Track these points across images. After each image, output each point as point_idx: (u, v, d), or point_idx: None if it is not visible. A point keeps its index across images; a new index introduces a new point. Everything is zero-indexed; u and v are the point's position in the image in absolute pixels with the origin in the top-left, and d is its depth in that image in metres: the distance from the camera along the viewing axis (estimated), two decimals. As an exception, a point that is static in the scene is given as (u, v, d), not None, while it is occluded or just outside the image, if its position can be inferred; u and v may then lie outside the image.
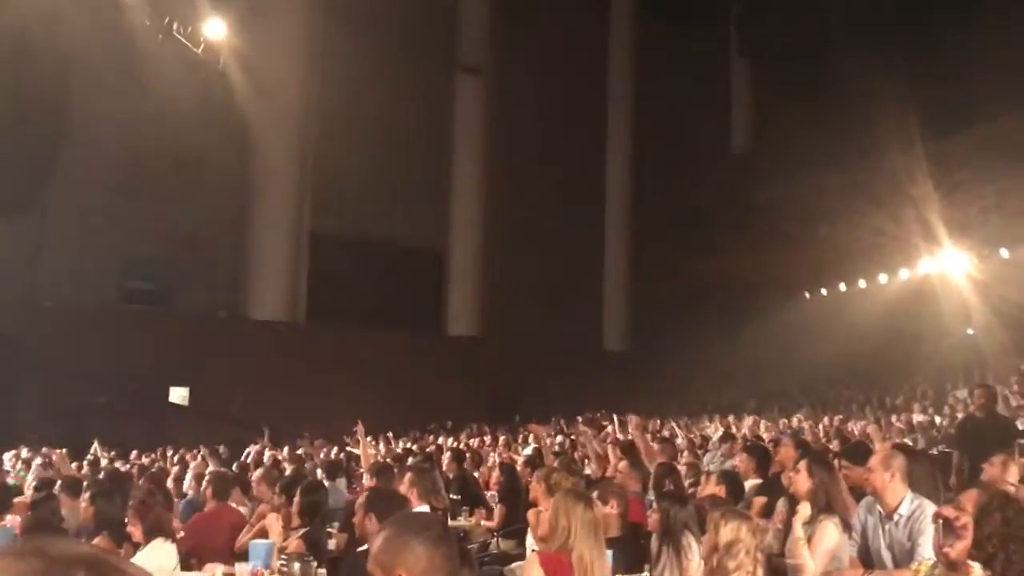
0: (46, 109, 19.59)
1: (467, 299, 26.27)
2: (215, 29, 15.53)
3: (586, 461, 9.36)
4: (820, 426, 14.25)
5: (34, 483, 8.39)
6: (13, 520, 6.60)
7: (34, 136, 19.38)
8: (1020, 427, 11.48)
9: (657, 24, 28.47)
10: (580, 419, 16.91)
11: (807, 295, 24.57)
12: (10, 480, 9.94)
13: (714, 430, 14.24)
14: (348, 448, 12.21)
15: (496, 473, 9.17)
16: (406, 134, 24.69)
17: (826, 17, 26.11)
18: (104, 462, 12.49)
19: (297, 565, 5.04)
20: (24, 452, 13.71)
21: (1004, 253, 19.24)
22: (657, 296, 26.05)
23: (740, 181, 26.88)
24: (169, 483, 9.11)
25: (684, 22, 28.56)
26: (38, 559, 0.93)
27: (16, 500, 7.22)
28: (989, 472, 5.39)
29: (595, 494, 5.33)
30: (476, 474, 9.81)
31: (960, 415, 11.33)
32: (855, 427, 17.90)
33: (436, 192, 26.23)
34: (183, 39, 15.30)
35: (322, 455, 13.06)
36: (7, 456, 13.32)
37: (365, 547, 4.85)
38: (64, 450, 13.58)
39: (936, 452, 9.36)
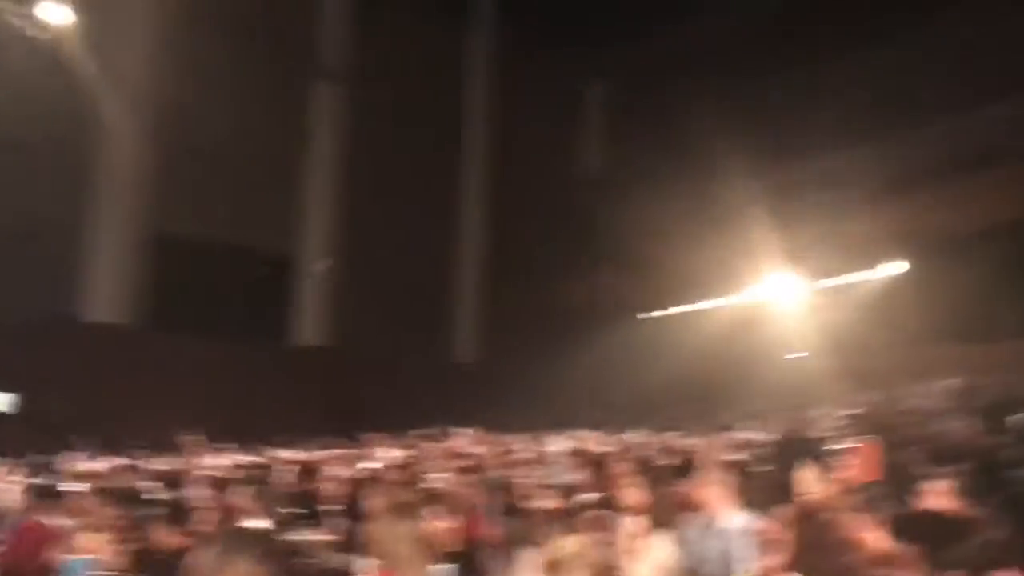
0: None
1: (315, 308, 25.78)
2: (56, 13, 14.73)
3: (429, 475, 9.35)
4: (656, 442, 14.72)
5: None
6: None
7: None
8: (832, 447, 12.28)
9: (514, 44, 28.90)
10: (425, 432, 16.85)
11: (650, 316, 25.43)
12: None
13: (556, 445, 14.49)
14: (186, 459, 11.74)
15: (338, 487, 9.00)
16: (258, 136, 24.06)
17: (675, 45, 27.20)
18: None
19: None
20: None
21: (832, 281, 20.52)
22: (507, 312, 26.36)
23: (590, 204, 27.62)
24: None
25: (541, 44, 29.12)
26: None
27: None
28: (798, 487, 5.73)
29: (435, 508, 5.34)
30: (318, 488, 9.63)
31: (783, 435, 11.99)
32: (689, 444, 18.64)
33: (287, 198, 25.68)
34: (19, 21, 14.42)
35: (158, 466, 12.51)
36: None
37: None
38: None
39: (763, 470, 9.86)
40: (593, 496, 6.83)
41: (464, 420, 20.20)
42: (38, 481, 9.32)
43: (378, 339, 24.84)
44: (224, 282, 23.22)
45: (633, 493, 5.26)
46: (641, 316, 25.40)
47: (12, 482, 9.88)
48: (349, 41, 26.52)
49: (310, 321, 25.75)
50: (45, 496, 6.63)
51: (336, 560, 7.41)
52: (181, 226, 23.01)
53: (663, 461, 9.97)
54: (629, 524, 4.78)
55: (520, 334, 25.16)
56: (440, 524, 5.29)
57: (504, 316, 26.34)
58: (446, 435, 15.86)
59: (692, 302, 24.54)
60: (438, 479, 8.59)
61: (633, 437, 19.10)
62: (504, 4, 29.26)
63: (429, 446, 13.79)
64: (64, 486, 8.84)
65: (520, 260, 26.58)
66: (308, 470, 10.39)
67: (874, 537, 3.91)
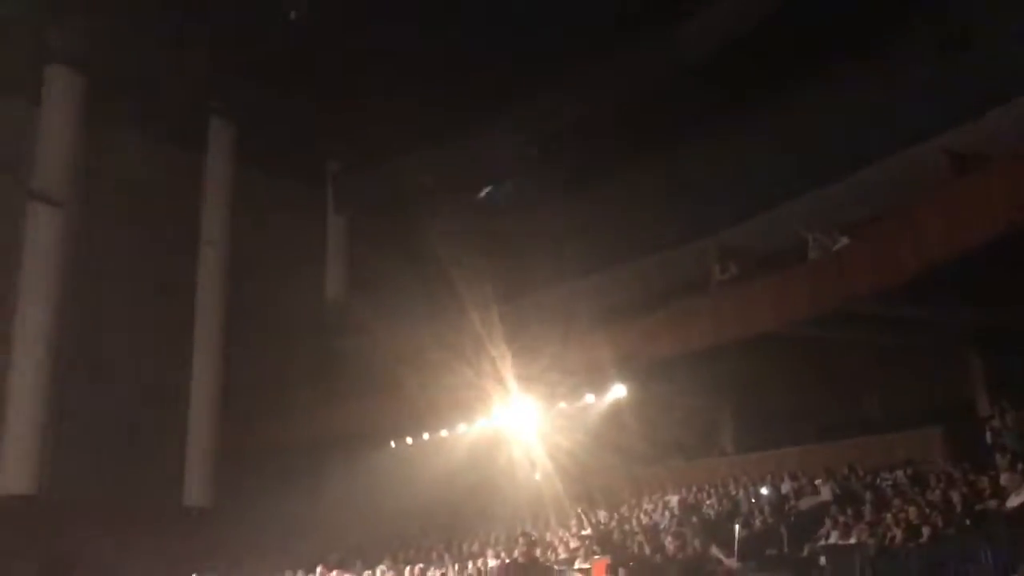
0: None
1: (24, 452, 23.25)
2: None
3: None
4: (400, 577, 14.51)
5: None
6: None
7: None
8: (557, 571, 12.66)
9: (254, 172, 28.62)
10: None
11: (392, 445, 25.26)
12: None
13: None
14: None
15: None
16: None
17: (417, 174, 28.15)
18: None
19: None
20: None
21: (562, 405, 21.42)
22: (241, 450, 25.18)
23: (332, 334, 27.40)
24: None
25: (281, 174, 29.11)
26: None
27: None
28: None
29: None
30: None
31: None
32: (434, 575, 18.48)
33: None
34: None
35: None
36: None
37: None
38: None
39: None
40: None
41: (196, 568, 18.96)
42: None
43: (99, 486, 22.87)
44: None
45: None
46: (388, 445, 25.16)
47: None
48: (72, 163, 25.01)
49: (18, 467, 23.19)
50: None
51: None
52: None
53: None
54: None
55: (259, 472, 24.09)
56: None
57: (238, 455, 25.11)
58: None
59: (437, 430, 24.66)
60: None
61: (379, 570, 18.71)
62: (242, 130, 28.97)
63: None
64: None
65: (260, 394, 25.67)
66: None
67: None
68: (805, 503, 16.35)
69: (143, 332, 25.43)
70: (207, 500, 25.87)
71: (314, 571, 18.45)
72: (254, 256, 27.79)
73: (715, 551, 11.27)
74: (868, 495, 14.76)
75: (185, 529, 22.88)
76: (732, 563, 11.47)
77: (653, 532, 16.87)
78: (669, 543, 10.29)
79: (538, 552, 10.15)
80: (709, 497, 19.00)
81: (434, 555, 20.49)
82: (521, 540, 8.91)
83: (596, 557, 16.24)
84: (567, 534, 19.37)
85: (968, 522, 11.60)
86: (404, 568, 18.42)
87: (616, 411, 20.44)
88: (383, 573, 18.76)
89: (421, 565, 18.46)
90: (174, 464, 25.71)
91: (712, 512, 17.77)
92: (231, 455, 25.38)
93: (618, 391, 20.38)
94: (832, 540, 13.67)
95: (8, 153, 24.06)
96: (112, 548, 20.14)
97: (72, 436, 23.35)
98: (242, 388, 26.13)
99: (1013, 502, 11.34)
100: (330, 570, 18.44)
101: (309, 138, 29.18)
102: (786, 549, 14.37)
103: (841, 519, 13.94)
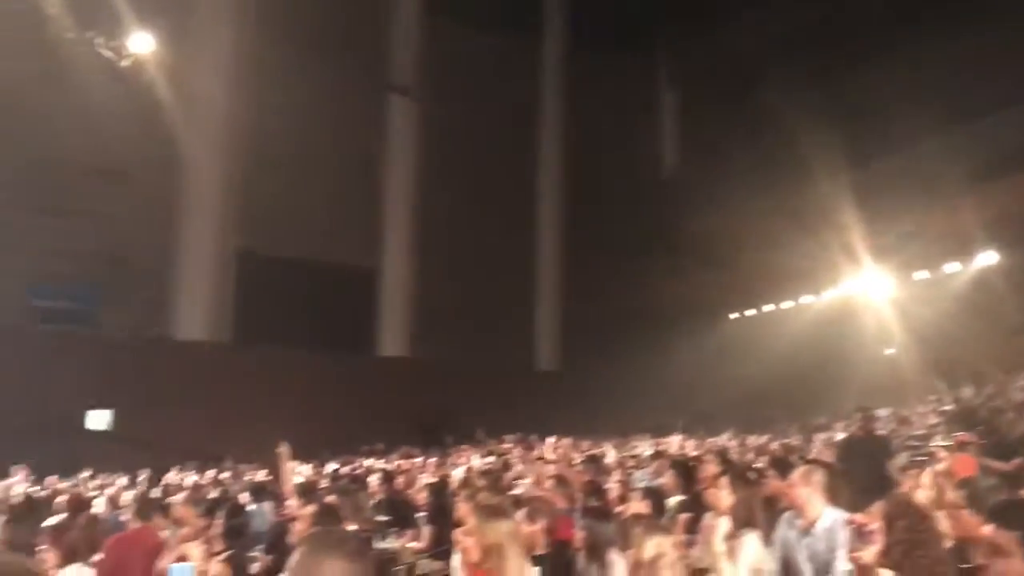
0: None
1: (398, 319, 26.12)
2: (142, 43, 15.27)
3: (516, 480, 9.36)
4: (745, 445, 14.48)
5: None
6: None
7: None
8: (926, 444, 11.93)
9: (587, 50, 28.84)
10: (510, 439, 16.91)
11: (734, 317, 25.02)
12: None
13: (643, 449, 14.36)
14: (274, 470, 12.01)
15: (426, 494, 9.08)
16: (337, 152, 24.53)
17: (754, 46, 26.75)
18: (21, 487, 12.06)
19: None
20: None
21: (921, 275, 19.91)
22: (588, 318, 26.24)
23: (669, 206, 27.31)
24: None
25: (614, 49, 28.98)
26: None
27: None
28: (893, 483, 5.58)
29: (523, 512, 5.35)
30: (407, 495, 9.72)
31: (882, 432, 11.66)
32: (779, 444, 18.27)
33: (367, 211, 26.07)
34: (108, 52, 15.01)
35: (247, 478, 12.84)
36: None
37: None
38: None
39: (856, 467, 9.60)
40: (682, 498, 6.75)
41: (549, 426, 20.19)
42: (139, 493, 9.65)
43: (461, 349, 25.03)
44: (309, 296, 23.68)
45: (722, 494, 5.18)
46: (730, 316, 25.01)
47: (113, 495, 10.28)
48: (421, 54, 26.84)
49: (395, 332, 26.09)
50: (146, 507, 6.86)
51: (426, 565, 7.48)
52: (265, 243, 23.56)
53: (753, 462, 9.80)
54: (718, 525, 4.71)
55: (604, 339, 25.04)
56: (528, 527, 5.29)
57: (587, 321, 26.24)
58: (532, 442, 15.88)
59: (781, 301, 24.05)
60: (525, 484, 8.60)
61: (722, 439, 18.85)
62: (574, 9, 29.22)
63: (516, 452, 13.82)
64: (164, 498, 9.13)
65: (602, 264, 26.44)
66: (396, 478, 10.50)
67: (971, 527, 3.79)
68: None
69: (495, 210, 26.99)
70: (556, 364, 27.54)
71: (662, 435, 18.97)
72: (591, 131, 28.25)
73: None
74: None
75: (539, 391, 24.45)
76: None
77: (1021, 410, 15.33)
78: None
79: (878, 426, 9.71)
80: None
81: (779, 426, 20.23)
82: (859, 414, 8.56)
83: (957, 434, 15.14)
84: (925, 409, 18.21)
85: None
86: (747, 437, 18.39)
87: (984, 279, 18.60)
88: (726, 441, 18.87)
89: (765, 435, 18.32)
90: (529, 330, 27.57)
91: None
92: (578, 323, 26.60)
93: (987, 258, 18.48)
94: None
95: (370, 54, 26.17)
96: (475, 407, 22.00)
97: (439, 306, 25.67)
98: (585, 259, 27.08)
99: None
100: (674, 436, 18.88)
101: (639, 11, 28.67)
102: None
103: None
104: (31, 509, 8.36)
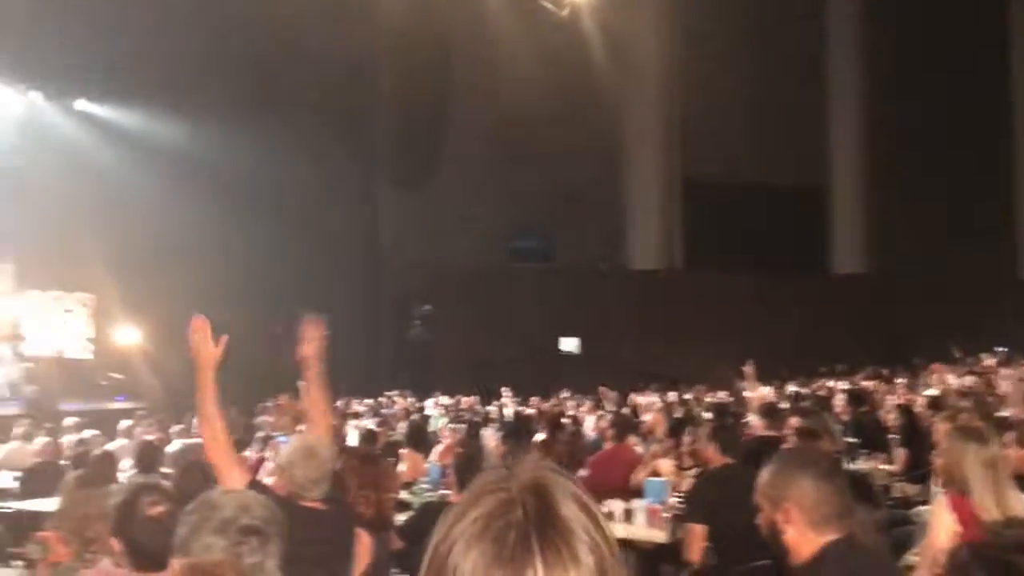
0: (431, 90, 21.65)
1: (852, 236, 24.76)
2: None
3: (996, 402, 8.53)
4: None
5: (451, 426, 9.43)
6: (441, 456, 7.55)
7: (422, 116, 21.59)
8: None
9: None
10: (990, 356, 15.34)
11: None
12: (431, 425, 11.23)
13: None
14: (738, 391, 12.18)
15: (894, 416, 8.63)
16: (777, 68, 23.73)
17: None
18: (510, 409, 13.65)
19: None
20: (441, 399, 15.39)
21: None
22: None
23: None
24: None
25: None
26: None
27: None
28: None
29: (1005, 435, 4.89)
30: (874, 416, 9.33)
31: None
32: None
33: (812, 127, 24.91)
34: (549, 4, 16.04)
35: (707, 399, 13.20)
36: (428, 403, 15.05)
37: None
38: (475, 397, 15.12)
39: None
40: None
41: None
42: (614, 412, 10.44)
43: (920, 262, 23.10)
44: (755, 218, 23.45)
45: None
46: None
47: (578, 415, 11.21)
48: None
49: (849, 250, 24.86)
50: (623, 426, 7.44)
51: (902, 488, 7.16)
52: (710, 170, 23.66)
53: None
54: None
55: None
56: (1010, 451, 4.81)
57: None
58: (1010, 359, 14.29)
59: None
60: (1009, 406, 7.80)
61: None
62: None
63: (1002, 371, 12.54)
64: (634, 417, 9.76)
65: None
66: (861, 398, 10.12)
67: None
68: None
69: (946, 113, 24.11)
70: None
71: None
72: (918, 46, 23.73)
73: None
74: None
75: (1016, 304, 21.79)
76: None
77: None
78: None
79: None
80: None
81: None
82: None
83: None
84: None
85: None
86: None
87: None
88: None
89: None
90: (998, 237, 24.60)
91: None
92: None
93: None
94: None
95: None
96: (939, 322, 20.22)
97: (894, 218, 23.89)
98: None
99: None
100: None
101: None
102: None
103: None
104: (521, 426, 9.47)
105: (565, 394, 15.32)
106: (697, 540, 4.72)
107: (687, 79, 23.09)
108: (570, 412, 11.86)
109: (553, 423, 8.85)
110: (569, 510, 1.01)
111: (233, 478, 3.39)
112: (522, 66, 20.35)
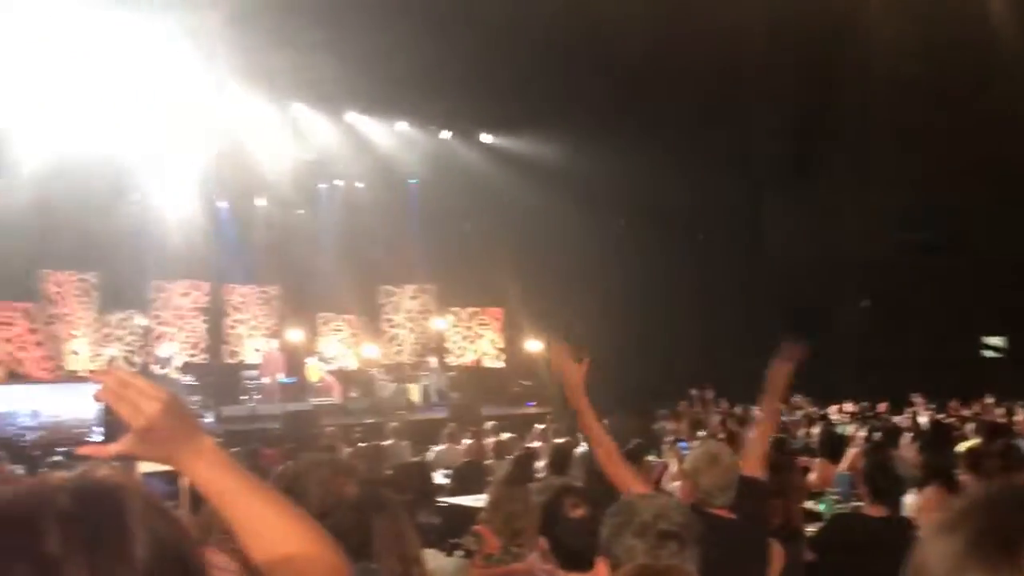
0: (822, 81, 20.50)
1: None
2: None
3: None
4: None
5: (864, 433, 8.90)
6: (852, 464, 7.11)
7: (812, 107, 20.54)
8: None
9: None
10: None
11: None
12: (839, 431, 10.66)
13: None
14: None
15: None
16: None
17: None
18: (924, 416, 12.58)
19: None
20: (846, 405, 14.55)
21: None
22: None
23: None
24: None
25: None
26: None
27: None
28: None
29: None
30: None
31: None
32: None
33: None
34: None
35: None
36: (832, 409, 14.29)
37: None
38: (886, 403, 14.12)
39: None
40: None
41: None
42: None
43: None
44: None
45: None
46: None
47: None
48: None
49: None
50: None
51: None
52: None
53: None
54: None
55: None
56: None
57: None
58: None
59: None
60: None
61: None
62: None
63: None
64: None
65: None
66: None
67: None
68: None
69: None
70: None
71: None
72: None
73: None
74: None
75: None
76: None
77: None
78: None
79: None
80: None
81: None
82: None
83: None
84: None
85: None
86: None
87: None
88: None
89: None
90: None
91: None
92: None
93: None
94: None
95: None
96: None
97: None
98: None
99: None
100: None
101: None
102: None
103: None
104: (941, 435, 8.65)
105: (989, 400, 13.75)
106: None
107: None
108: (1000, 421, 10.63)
109: (991, 428, 8.00)
110: None
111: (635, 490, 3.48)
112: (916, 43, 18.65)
